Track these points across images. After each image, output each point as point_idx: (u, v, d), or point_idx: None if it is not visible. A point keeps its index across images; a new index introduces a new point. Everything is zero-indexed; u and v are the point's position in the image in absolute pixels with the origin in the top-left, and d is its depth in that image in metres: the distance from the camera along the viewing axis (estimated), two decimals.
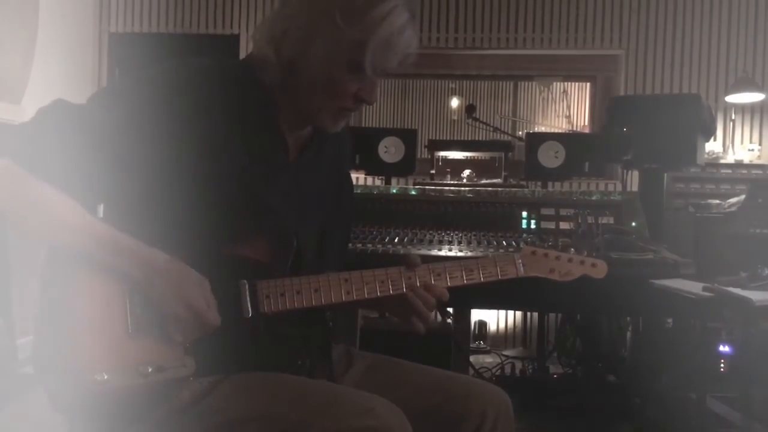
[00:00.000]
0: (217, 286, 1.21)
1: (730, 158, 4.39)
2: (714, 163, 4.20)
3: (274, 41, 1.27)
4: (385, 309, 1.46)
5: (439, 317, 3.47)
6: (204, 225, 1.25)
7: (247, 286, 1.24)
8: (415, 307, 1.31)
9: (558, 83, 6.95)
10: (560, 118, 7.18)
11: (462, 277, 1.35)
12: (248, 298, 1.24)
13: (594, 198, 2.67)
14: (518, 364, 3.49)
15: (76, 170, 1.18)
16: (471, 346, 3.81)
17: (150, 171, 1.23)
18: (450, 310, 3.15)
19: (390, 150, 3.62)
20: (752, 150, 4.42)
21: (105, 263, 1.17)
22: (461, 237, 2.50)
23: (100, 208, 1.33)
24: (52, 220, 1.18)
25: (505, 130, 4.79)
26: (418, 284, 1.32)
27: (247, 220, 1.29)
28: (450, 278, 1.34)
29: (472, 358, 3.35)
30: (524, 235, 2.55)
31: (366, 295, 1.29)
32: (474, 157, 4.00)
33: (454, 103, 7.43)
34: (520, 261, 1.38)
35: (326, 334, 1.38)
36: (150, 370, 1.16)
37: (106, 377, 1.13)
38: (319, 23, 1.23)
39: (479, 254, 2.28)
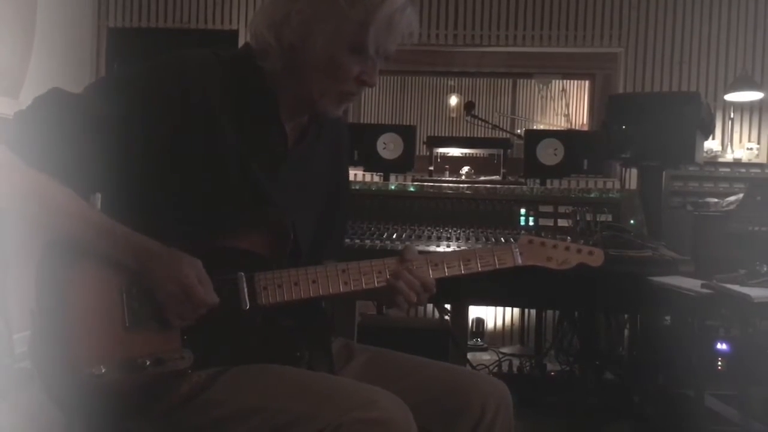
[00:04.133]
0: (215, 278, 1.21)
1: (728, 157, 4.39)
2: (712, 162, 4.20)
3: (274, 27, 1.26)
4: (375, 297, 1.45)
5: (436, 314, 3.46)
6: (201, 216, 1.26)
7: (244, 278, 1.24)
8: (397, 289, 1.30)
9: (557, 81, 6.95)
10: (559, 117, 7.18)
11: (459, 266, 1.34)
12: (246, 291, 1.23)
13: (592, 195, 2.68)
14: (516, 362, 3.49)
15: (72, 159, 1.18)
16: (468, 343, 3.81)
17: (147, 161, 1.23)
18: (447, 306, 3.15)
19: (389, 146, 3.61)
20: (751, 149, 4.42)
21: (101, 252, 1.17)
22: (459, 233, 2.50)
23: (98, 200, 1.33)
24: (47, 208, 1.18)
25: (504, 128, 4.78)
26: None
27: (245, 212, 1.29)
28: (448, 268, 1.34)
29: (469, 356, 3.34)
30: (522, 232, 2.55)
31: (364, 286, 1.29)
32: (473, 154, 3.99)
33: (453, 100, 7.42)
34: (517, 250, 1.37)
35: (325, 326, 1.38)
36: (148, 363, 1.15)
37: (103, 370, 1.13)
38: (321, 5, 1.23)
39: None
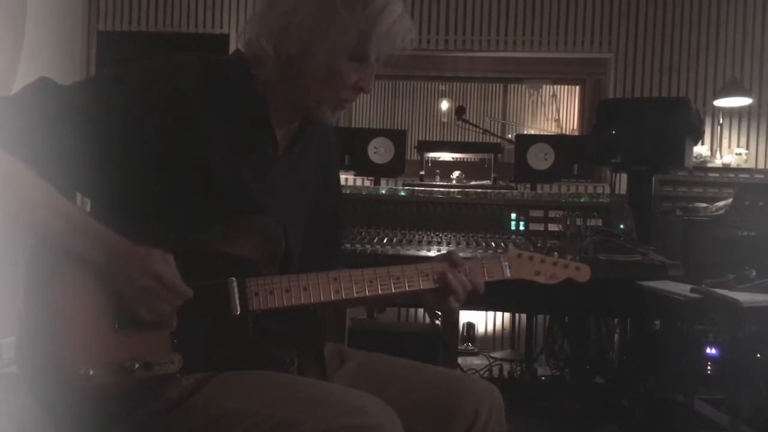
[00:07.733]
0: (206, 283, 1.20)
1: (717, 162, 4.41)
2: (702, 167, 4.21)
3: (272, 37, 1.26)
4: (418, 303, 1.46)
5: (427, 318, 3.46)
6: (192, 222, 1.25)
7: (235, 284, 1.23)
8: (452, 288, 1.33)
9: (548, 86, 6.97)
10: (549, 122, 7.19)
11: None
12: (237, 296, 1.22)
13: (583, 200, 2.69)
14: (506, 366, 3.49)
15: (52, 151, 1.17)
16: (459, 347, 3.81)
17: (130, 162, 1.22)
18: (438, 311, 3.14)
19: (379, 151, 3.61)
20: (740, 154, 4.44)
21: (69, 245, 1.16)
22: (450, 238, 2.50)
23: (87, 203, 1.32)
24: (18, 197, 1.16)
25: (495, 133, 4.79)
26: (407, 286, 1.31)
27: (235, 217, 1.28)
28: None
29: (460, 360, 3.35)
30: (513, 236, 2.55)
31: (354, 294, 1.29)
32: (463, 158, 4.00)
33: (444, 104, 7.43)
34: (506, 263, 1.38)
35: (318, 330, 1.38)
36: (137, 366, 1.14)
37: (91, 373, 1.12)
38: (321, 17, 1.24)
39: (468, 255, 2.28)
